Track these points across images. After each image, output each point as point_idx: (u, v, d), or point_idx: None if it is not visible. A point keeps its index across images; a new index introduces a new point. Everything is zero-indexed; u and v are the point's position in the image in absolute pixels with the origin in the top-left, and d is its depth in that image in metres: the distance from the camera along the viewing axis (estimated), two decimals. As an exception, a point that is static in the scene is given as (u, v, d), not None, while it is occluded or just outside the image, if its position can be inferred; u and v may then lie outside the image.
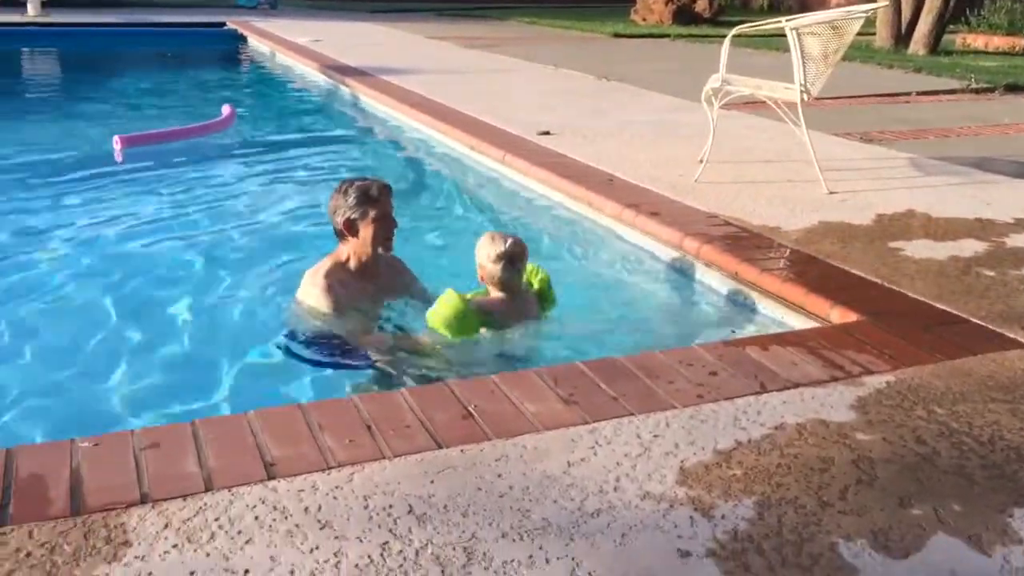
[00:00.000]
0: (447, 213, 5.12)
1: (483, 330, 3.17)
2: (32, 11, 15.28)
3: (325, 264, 3.29)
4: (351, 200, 3.20)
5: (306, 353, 3.14)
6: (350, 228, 3.23)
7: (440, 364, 3.09)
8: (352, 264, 3.28)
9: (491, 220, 4.92)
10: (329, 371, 3.10)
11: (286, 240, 4.43)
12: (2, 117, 7.88)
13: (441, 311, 3.10)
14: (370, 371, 3.06)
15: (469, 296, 3.21)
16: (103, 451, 2.03)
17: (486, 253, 3.20)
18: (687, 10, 17.87)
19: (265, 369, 3.12)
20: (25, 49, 13.25)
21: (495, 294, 3.25)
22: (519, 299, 3.27)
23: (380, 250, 3.28)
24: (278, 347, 3.20)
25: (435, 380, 2.82)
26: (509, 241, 3.19)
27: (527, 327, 3.26)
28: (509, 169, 5.42)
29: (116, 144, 6.17)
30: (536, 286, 3.37)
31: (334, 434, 2.13)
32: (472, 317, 3.13)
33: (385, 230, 3.25)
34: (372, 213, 3.21)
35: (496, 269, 3.18)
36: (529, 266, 3.32)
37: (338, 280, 3.23)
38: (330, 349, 3.15)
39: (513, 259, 3.18)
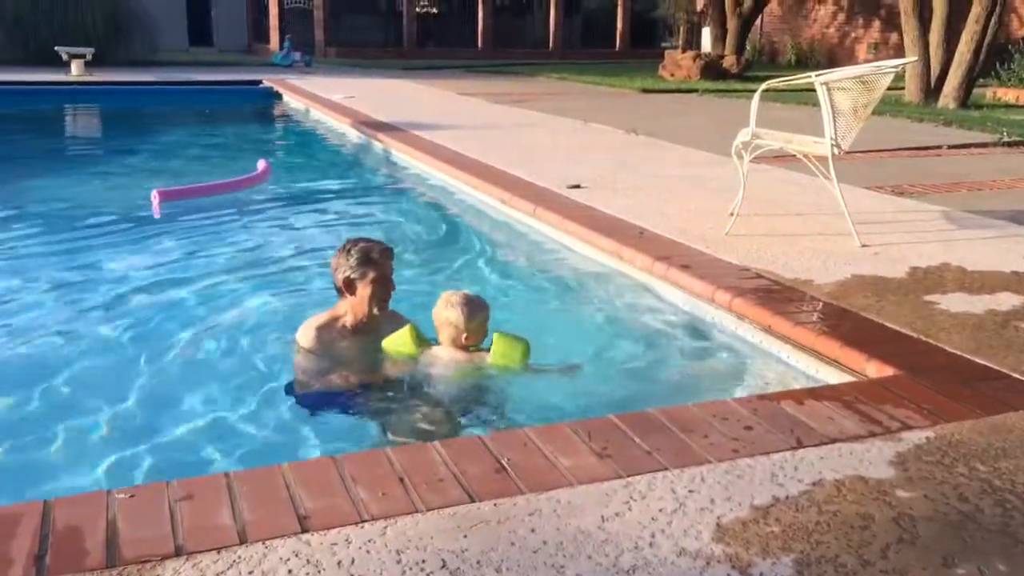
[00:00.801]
0: (478, 266, 5.15)
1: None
2: (76, 71, 15.80)
3: (322, 317, 3.42)
4: (352, 260, 3.33)
5: (296, 396, 3.26)
6: (349, 287, 3.35)
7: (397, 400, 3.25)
8: (348, 320, 3.41)
9: (521, 272, 4.94)
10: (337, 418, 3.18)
11: (319, 293, 4.47)
12: (46, 171, 8.11)
13: (393, 337, 3.40)
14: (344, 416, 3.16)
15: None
16: (139, 503, 2.04)
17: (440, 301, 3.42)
18: (715, 65, 18.06)
19: (293, 419, 3.14)
20: (69, 107, 13.67)
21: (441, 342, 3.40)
22: (453, 350, 3.36)
23: (375, 310, 3.39)
24: (285, 391, 3.32)
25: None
26: (459, 294, 3.40)
27: (467, 380, 3.34)
28: (540, 222, 5.46)
29: (154, 198, 6.30)
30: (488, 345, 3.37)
31: (367, 487, 2.13)
32: (412, 344, 3.37)
33: (382, 292, 3.38)
34: (371, 275, 3.33)
35: (438, 312, 3.37)
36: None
37: (330, 335, 3.36)
38: (313, 395, 3.25)
39: (453, 304, 3.34)
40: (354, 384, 3.30)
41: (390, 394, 3.29)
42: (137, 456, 2.86)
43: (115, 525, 1.95)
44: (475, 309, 3.35)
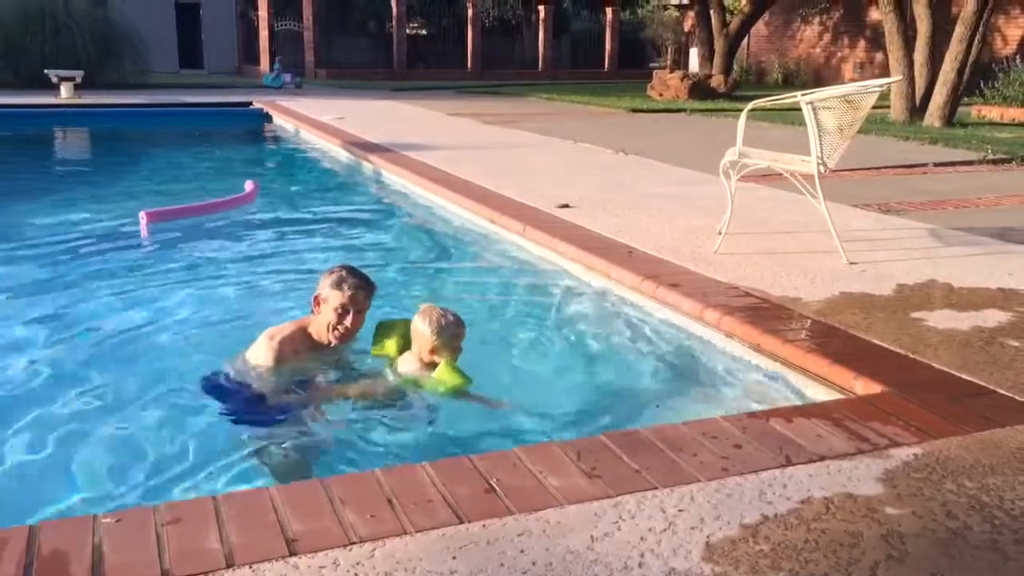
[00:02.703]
0: (465, 285, 5.15)
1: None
2: (65, 94, 15.81)
3: (287, 328, 3.48)
4: (329, 282, 3.42)
5: (226, 401, 3.29)
6: (317, 304, 3.45)
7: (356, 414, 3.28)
8: (312, 332, 3.48)
9: (509, 291, 4.94)
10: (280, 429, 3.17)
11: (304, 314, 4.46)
12: (35, 193, 8.09)
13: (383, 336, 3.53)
14: (283, 426, 3.16)
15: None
16: (125, 527, 2.03)
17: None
18: (703, 85, 18.20)
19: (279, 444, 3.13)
20: (58, 129, 13.65)
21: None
22: (413, 360, 3.44)
23: (332, 337, 3.44)
24: (204, 387, 3.38)
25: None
26: (436, 308, 3.44)
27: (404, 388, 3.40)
28: (529, 242, 5.48)
29: (142, 219, 6.29)
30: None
31: (355, 509, 2.12)
32: (395, 346, 3.51)
33: (341, 323, 3.42)
34: (335, 301, 3.40)
35: (413, 322, 3.41)
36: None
37: (292, 348, 3.40)
38: (249, 404, 3.26)
39: (424, 316, 3.39)
40: (306, 396, 3.33)
41: (343, 406, 3.33)
42: (125, 480, 2.84)
43: (101, 550, 1.93)
44: (444, 324, 3.35)
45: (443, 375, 3.30)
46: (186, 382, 3.57)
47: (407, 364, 3.43)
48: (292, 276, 5.27)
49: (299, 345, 3.43)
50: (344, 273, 3.45)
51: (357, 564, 1.91)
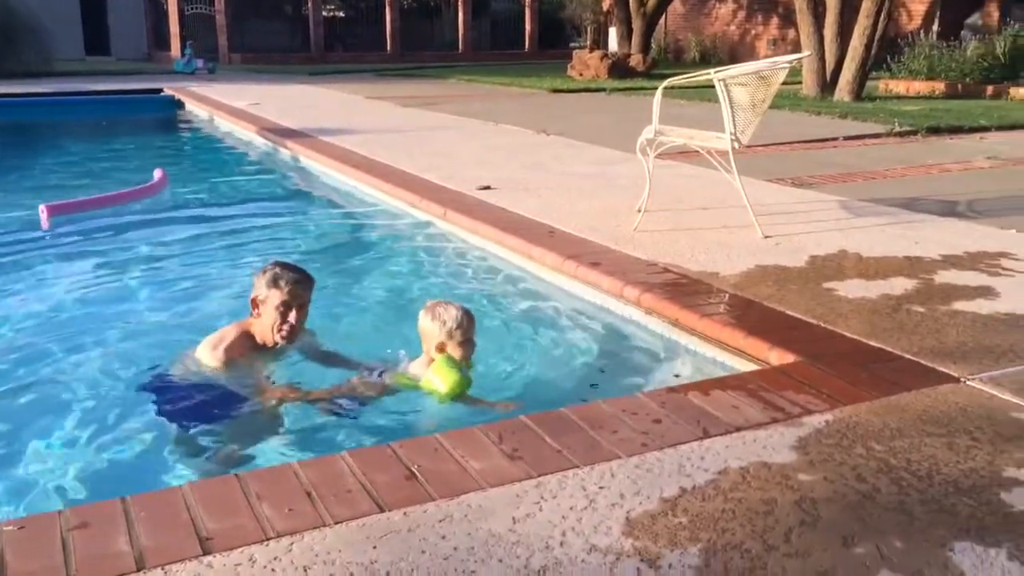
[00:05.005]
0: (387, 271, 5.09)
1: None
2: (-38, 83, 15.08)
3: (231, 332, 3.37)
4: (264, 282, 3.33)
5: (168, 402, 3.18)
6: (256, 307, 3.35)
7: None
8: (255, 334, 3.39)
9: (432, 277, 4.91)
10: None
11: (219, 309, 4.34)
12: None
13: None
14: (231, 426, 3.08)
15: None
16: (28, 534, 1.95)
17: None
18: (622, 64, 18.33)
19: (194, 442, 3.04)
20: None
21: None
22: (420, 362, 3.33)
23: (279, 338, 3.35)
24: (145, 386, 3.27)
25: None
26: (441, 303, 3.33)
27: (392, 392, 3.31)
28: (450, 224, 5.44)
29: (42, 213, 6.01)
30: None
31: (272, 503, 2.08)
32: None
33: (287, 321, 3.33)
34: (277, 301, 3.31)
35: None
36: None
37: (240, 351, 3.31)
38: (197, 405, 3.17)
39: (426, 310, 3.30)
40: (255, 397, 3.23)
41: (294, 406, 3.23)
42: (26, 486, 2.73)
43: (2, 559, 1.85)
44: (448, 318, 3.23)
45: (439, 371, 3.15)
46: (92, 382, 3.45)
47: (417, 367, 3.29)
48: (206, 268, 5.13)
49: (244, 348, 3.32)
50: (278, 270, 3.35)
51: (274, 559, 1.87)
